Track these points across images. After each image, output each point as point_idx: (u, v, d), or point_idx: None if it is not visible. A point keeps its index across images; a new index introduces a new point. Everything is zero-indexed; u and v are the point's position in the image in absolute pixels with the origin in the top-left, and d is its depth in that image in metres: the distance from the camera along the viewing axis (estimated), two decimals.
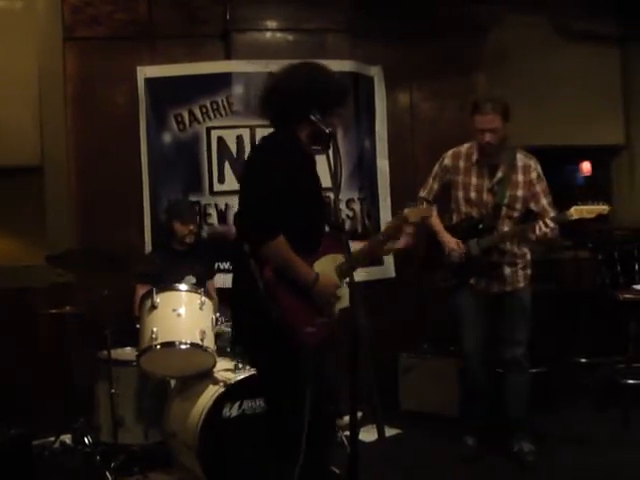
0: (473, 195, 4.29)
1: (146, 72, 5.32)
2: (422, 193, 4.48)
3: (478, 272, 4.29)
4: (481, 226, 4.24)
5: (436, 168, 4.45)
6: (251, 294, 2.98)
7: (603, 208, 3.91)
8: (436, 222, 4.34)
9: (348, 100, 3.31)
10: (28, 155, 5.31)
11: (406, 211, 3.23)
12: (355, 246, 3.24)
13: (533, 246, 4.35)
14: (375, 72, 5.73)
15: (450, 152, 4.41)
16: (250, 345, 3.28)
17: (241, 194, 3.09)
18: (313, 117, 3.01)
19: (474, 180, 4.29)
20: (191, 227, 4.78)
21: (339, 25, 5.66)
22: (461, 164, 4.34)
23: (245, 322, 3.14)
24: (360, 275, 4.90)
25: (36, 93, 5.31)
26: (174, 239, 4.79)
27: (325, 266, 3.08)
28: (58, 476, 4.31)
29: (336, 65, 5.40)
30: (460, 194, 4.34)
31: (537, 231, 3.97)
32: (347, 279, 3.05)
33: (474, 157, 4.30)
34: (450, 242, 4.26)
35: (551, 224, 3.95)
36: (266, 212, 2.92)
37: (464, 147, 4.37)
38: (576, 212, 3.90)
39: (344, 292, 3.07)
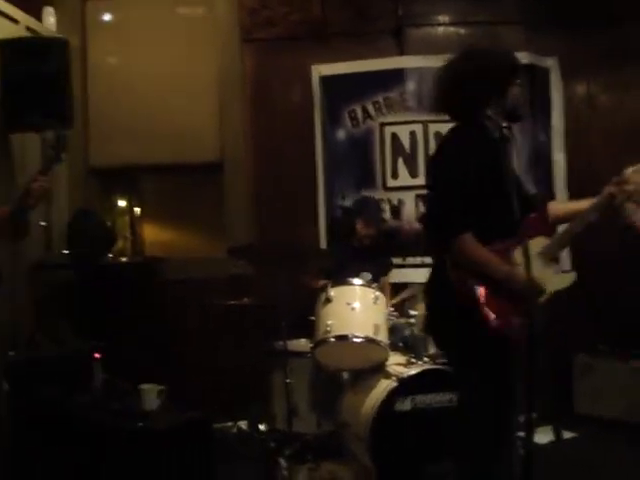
0: None
1: (321, 70, 5.45)
2: None
3: None
4: None
5: None
6: (443, 288, 3.00)
7: None
8: None
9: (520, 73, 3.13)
10: (209, 153, 5.60)
11: (629, 171, 2.93)
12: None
13: None
14: (551, 63, 5.56)
15: None
16: (442, 341, 3.30)
17: (431, 191, 3.12)
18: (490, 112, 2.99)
19: None
20: (371, 230, 4.80)
21: (511, 17, 5.53)
22: None
23: (438, 317, 3.15)
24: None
25: (216, 94, 5.59)
26: (352, 236, 4.83)
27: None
28: (235, 460, 4.47)
29: None
30: None
31: None
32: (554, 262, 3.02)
33: None
34: None
35: None
36: (455, 207, 2.92)
37: None
38: None
39: (549, 276, 2.97)
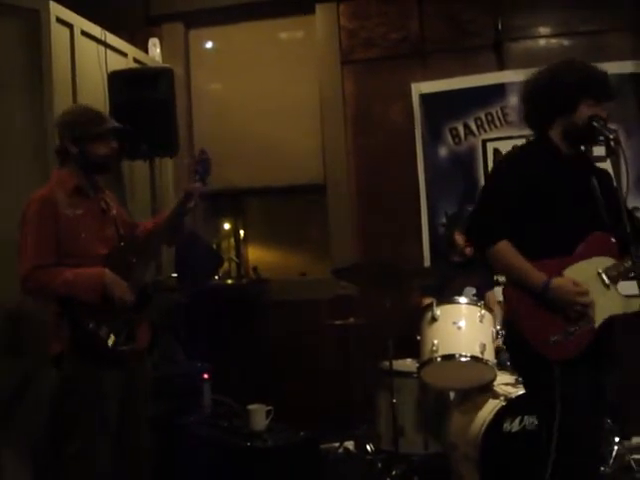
0: None
1: (421, 88, 5.45)
2: None
3: None
4: None
5: None
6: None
7: None
8: None
9: (608, 91, 3.05)
10: (312, 174, 5.68)
11: None
12: None
13: None
14: None
15: None
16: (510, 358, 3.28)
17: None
18: (595, 123, 2.92)
19: None
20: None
21: (617, 24, 5.37)
22: None
23: (507, 335, 3.16)
24: None
25: (318, 116, 5.66)
26: (453, 251, 4.81)
27: (585, 270, 2.90)
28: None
29: (612, 67, 5.14)
30: None
31: None
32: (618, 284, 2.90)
33: None
34: None
35: None
36: (484, 218, 2.91)
37: None
38: None
39: (610, 298, 2.89)
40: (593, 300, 2.86)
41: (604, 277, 2.91)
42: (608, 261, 2.92)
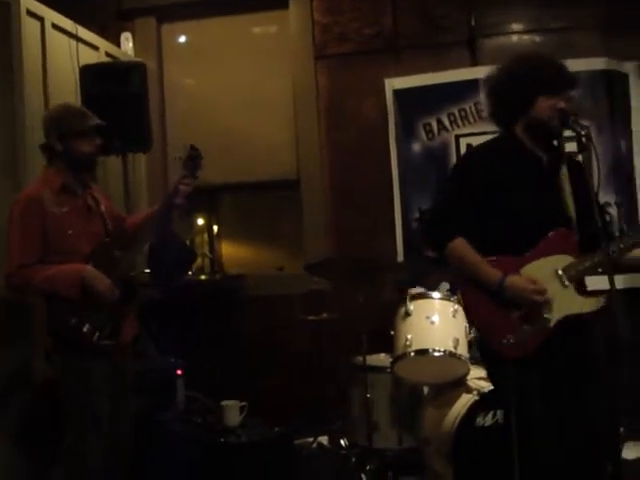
0: None
1: (394, 84, 5.45)
2: None
3: None
4: None
5: None
6: None
7: None
8: None
9: (568, 81, 3.02)
10: (286, 170, 5.68)
11: None
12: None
13: None
14: (630, 68, 5.41)
15: None
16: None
17: None
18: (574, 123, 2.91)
19: None
20: None
21: (588, 22, 5.41)
22: None
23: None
24: (619, 282, 4.66)
25: (291, 111, 5.66)
26: (427, 246, 4.81)
27: (542, 267, 2.91)
28: (316, 475, 4.48)
29: (583, 64, 5.21)
30: None
31: None
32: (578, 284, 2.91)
33: None
34: None
35: None
36: (440, 216, 2.94)
37: None
38: None
39: (567, 297, 2.90)
40: (550, 298, 2.86)
41: (563, 276, 2.91)
42: (567, 259, 2.92)
